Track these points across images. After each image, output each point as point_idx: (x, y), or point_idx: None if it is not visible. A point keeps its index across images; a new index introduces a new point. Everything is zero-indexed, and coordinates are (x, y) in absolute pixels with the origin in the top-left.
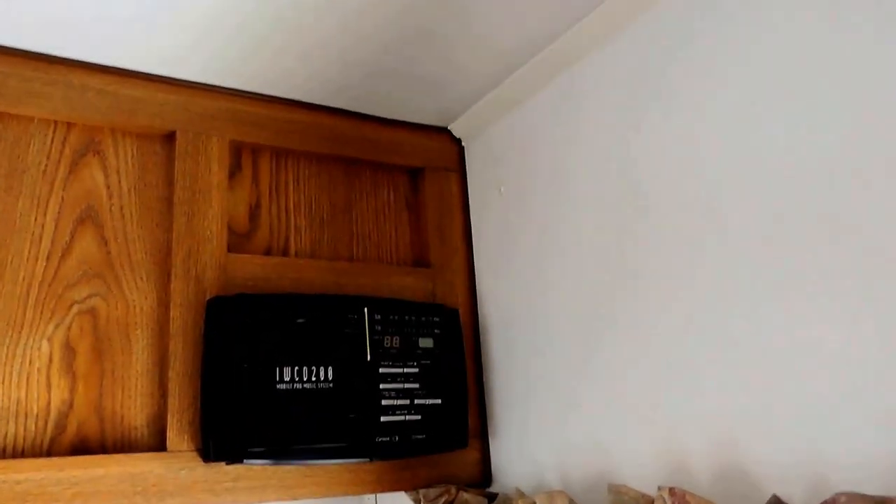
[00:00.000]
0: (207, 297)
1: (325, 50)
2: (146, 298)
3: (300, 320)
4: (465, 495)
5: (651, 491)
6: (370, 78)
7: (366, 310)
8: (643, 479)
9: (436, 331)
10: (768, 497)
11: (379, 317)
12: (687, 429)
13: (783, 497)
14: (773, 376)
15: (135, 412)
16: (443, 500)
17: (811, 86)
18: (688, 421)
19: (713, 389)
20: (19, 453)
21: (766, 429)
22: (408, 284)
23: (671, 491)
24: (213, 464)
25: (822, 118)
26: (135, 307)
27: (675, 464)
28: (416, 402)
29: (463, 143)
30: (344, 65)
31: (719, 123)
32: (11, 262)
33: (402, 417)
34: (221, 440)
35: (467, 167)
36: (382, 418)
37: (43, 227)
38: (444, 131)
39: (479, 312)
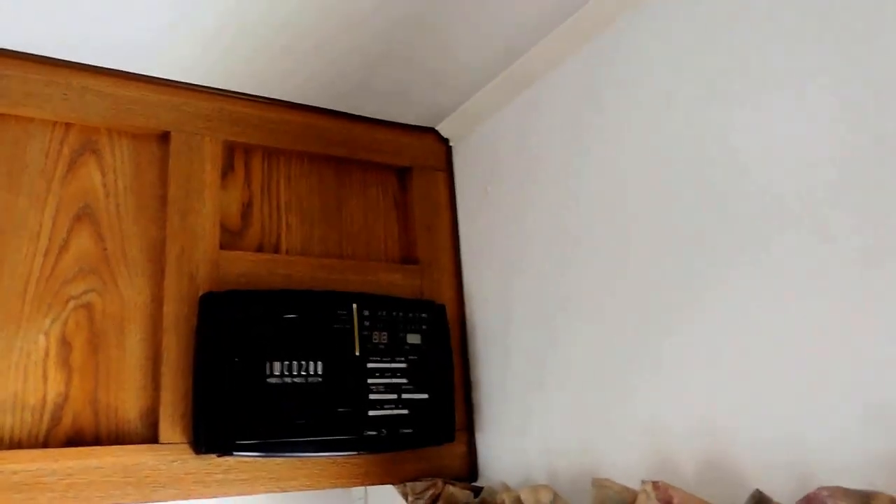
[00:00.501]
0: (200, 293)
1: (318, 54)
2: (140, 294)
3: (290, 316)
4: (451, 489)
5: (636, 485)
6: (360, 80)
7: (355, 306)
8: (628, 473)
9: (423, 327)
10: (751, 491)
11: (367, 312)
12: (672, 424)
13: (766, 492)
14: (758, 372)
15: (128, 405)
16: (430, 493)
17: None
18: (672, 416)
19: (697, 385)
20: (16, 444)
21: (749, 424)
22: (396, 281)
23: (655, 485)
24: (204, 456)
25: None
26: (129, 302)
27: (659, 459)
28: (403, 396)
29: (450, 144)
30: (336, 68)
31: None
32: (10, 258)
33: (389, 411)
34: (212, 433)
35: (454, 167)
36: (371, 412)
37: (41, 224)
38: (431, 132)
39: (465, 309)
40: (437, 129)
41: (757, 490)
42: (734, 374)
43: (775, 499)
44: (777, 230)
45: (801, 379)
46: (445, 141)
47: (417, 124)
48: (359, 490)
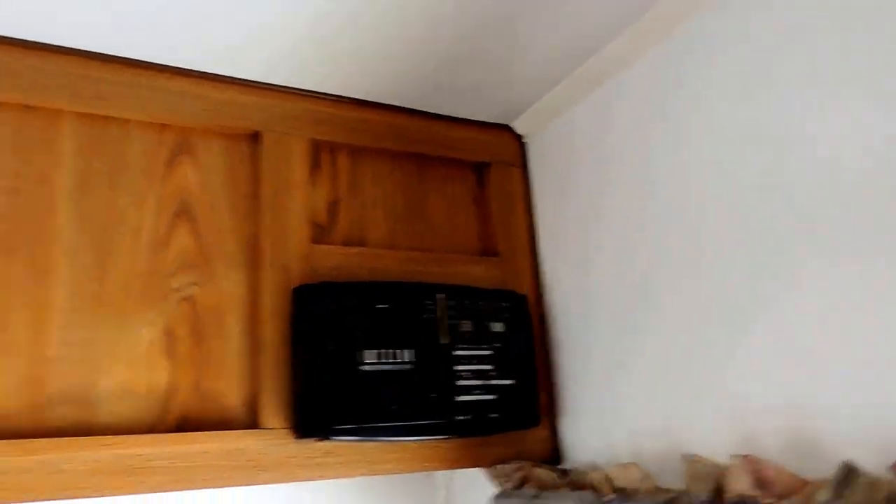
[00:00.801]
0: (294, 286)
1: (402, 57)
2: (238, 287)
3: (382, 306)
4: (539, 471)
5: (723, 461)
6: (440, 80)
7: (441, 296)
8: (713, 451)
9: (506, 315)
10: (839, 463)
11: (454, 302)
12: (756, 402)
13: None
14: (842, 343)
15: (231, 392)
16: (518, 475)
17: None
18: (756, 390)
19: (780, 359)
20: (127, 430)
21: (834, 395)
22: (477, 273)
23: (746, 459)
24: (304, 440)
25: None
26: (228, 295)
27: (744, 436)
28: (490, 382)
29: (525, 140)
30: (419, 70)
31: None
32: (115, 254)
33: (477, 397)
34: (311, 418)
35: (530, 162)
36: (459, 398)
37: (143, 221)
38: (506, 129)
39: (544, 298)
40: (512, 125)
41: (847, 461)
42: (818, 351)
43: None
44: (858, 218)
45: (884, 354)
46: (520, 137)
47: (493, 121)
48: (442, 475)
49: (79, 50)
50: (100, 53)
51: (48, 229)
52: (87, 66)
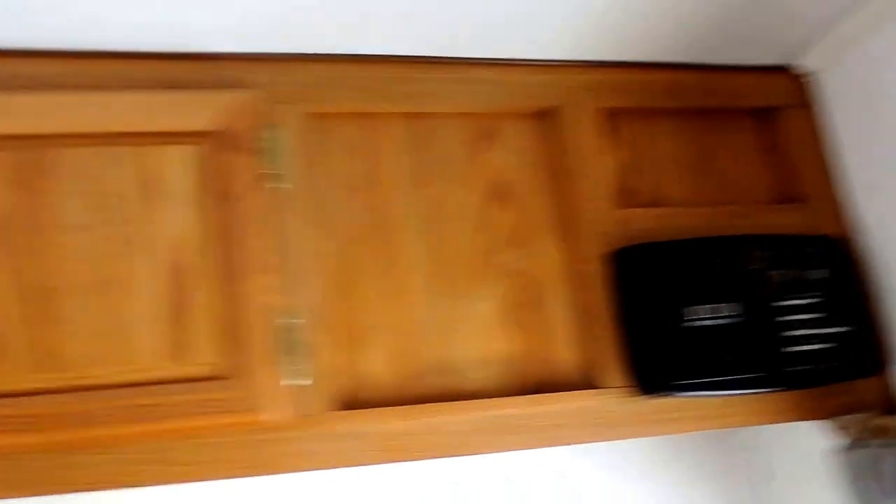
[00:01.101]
0: (609, 250)
1: (679, 11)
2: (559, 256)
3: (701, 262)
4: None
5: None
6: (720, 29)
7: (758, 247)
8: None
9: (826, 261)
10: None
11: (771, 253)
12: None
13: None
14: None
15: (569, 356)
16: (869, 425)
17: None
18: None
19: None
20: (489, 394)
21: None
22: (780, 221)
23: None
24: (640, 398)
25: None
26: (550, 265)
27: None
28: (821, 331)
29: (813, 78)
30: (695, 21)
31: None
32: (448, 237)
33: (808, 347)
34: (651, 376)
35: (823, 99)
36: (790, 348)
37: (466, 205)
38: (788, 69)
39: (860, 241)
40: (795, 64)
41: None
42: None
43: None
44: None
45: None
46: (803, 76)
47: (774, 63)
48: (747, 436)
49: (395, 56)
50: (412, 56)
51: (391, 221)
52: (404, 71)
